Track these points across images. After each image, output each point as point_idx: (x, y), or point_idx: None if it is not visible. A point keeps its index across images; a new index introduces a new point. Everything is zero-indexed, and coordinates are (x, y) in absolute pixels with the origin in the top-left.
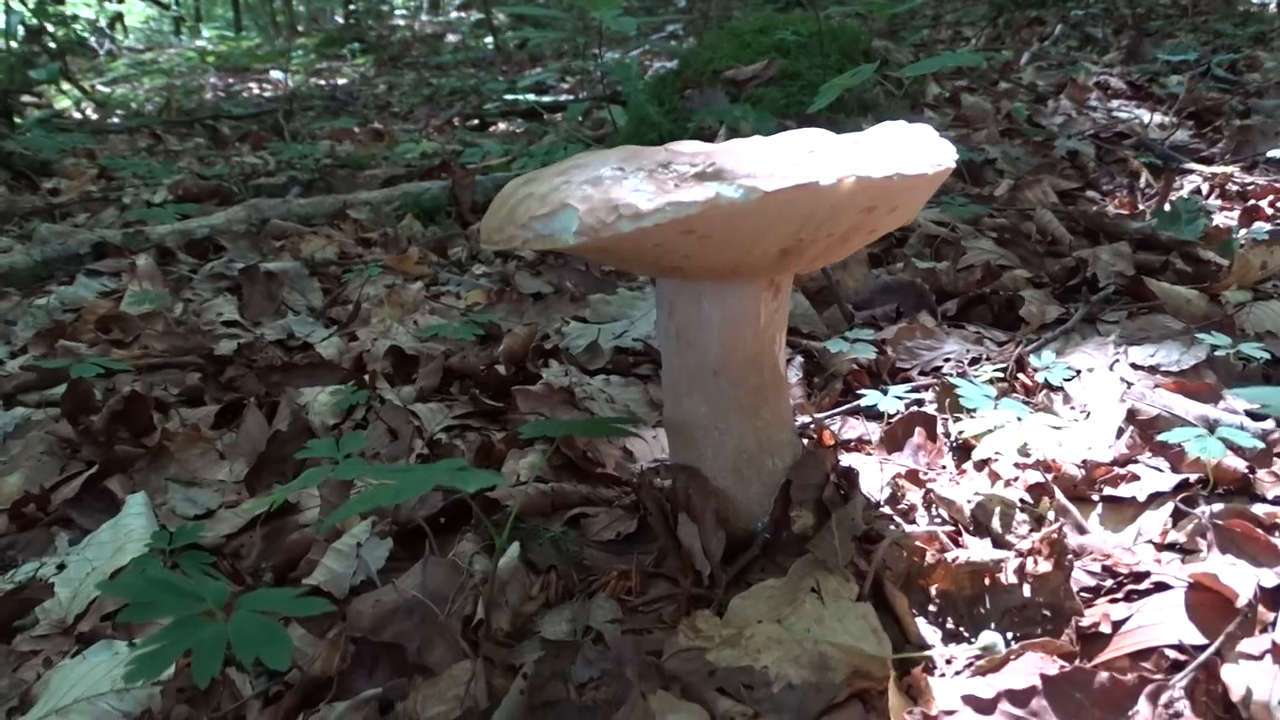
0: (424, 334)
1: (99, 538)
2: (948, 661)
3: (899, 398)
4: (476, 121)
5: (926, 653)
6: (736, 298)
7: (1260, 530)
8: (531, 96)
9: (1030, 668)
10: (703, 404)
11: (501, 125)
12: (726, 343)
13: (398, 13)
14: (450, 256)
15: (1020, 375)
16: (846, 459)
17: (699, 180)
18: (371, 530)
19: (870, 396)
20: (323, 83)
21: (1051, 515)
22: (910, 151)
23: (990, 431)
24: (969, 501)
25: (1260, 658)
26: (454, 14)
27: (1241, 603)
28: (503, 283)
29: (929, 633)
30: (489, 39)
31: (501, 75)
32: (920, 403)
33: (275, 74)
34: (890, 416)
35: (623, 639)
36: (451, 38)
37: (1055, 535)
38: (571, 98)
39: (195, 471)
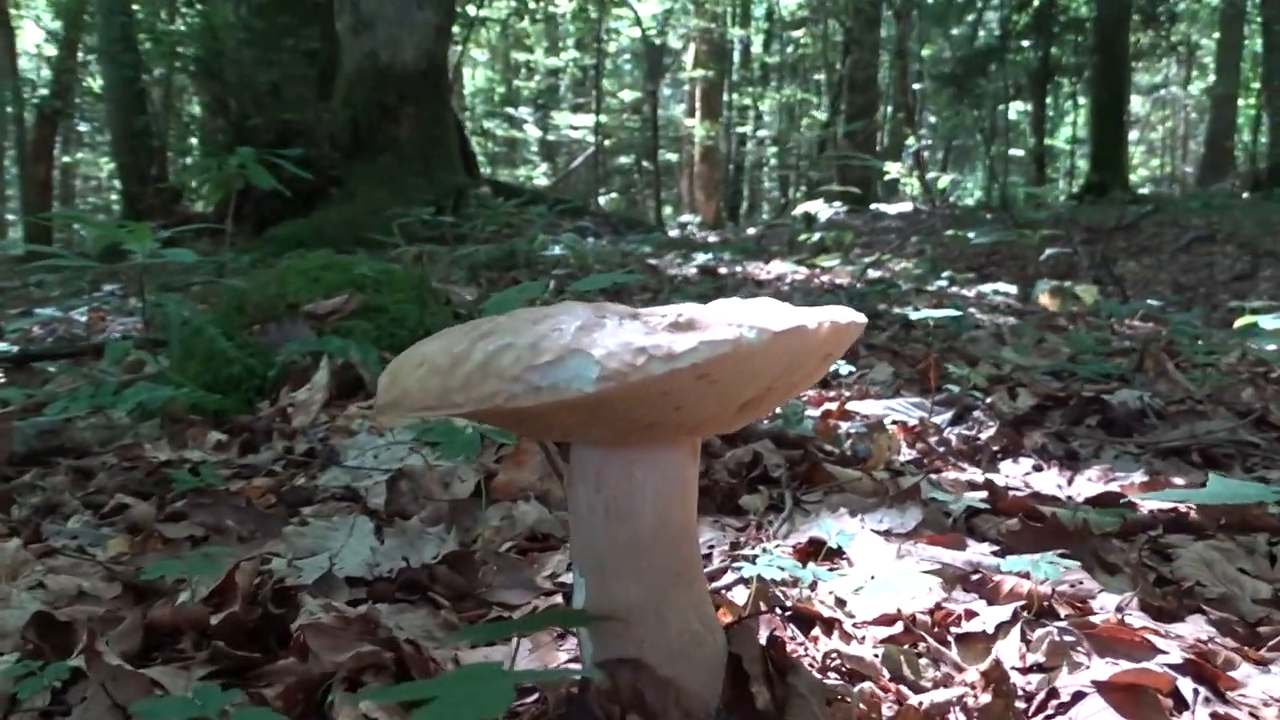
0: (151, 575)
1: None
2: None
3: (774, 565)
4: None
5: None
6: (668, 462)
7: (1126, 632)
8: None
9: None
10: (635, 584)
11: None
12: (661, 512)
13: None
14: (14, 514)
15: (783, 544)
16: None
17: (683, 329)
18: None
19: (747, 568)
20: None
21: (933, 655)
22: (852, 312)
23: (829, 586)
24: (874, 657)
25: None
26: None
27: (1168, 686)
28: (132, 531)
29: None
30: None
31: None
32: (747, 581)
33: None
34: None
35: None
36: None
37: (992, 666)
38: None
39: None
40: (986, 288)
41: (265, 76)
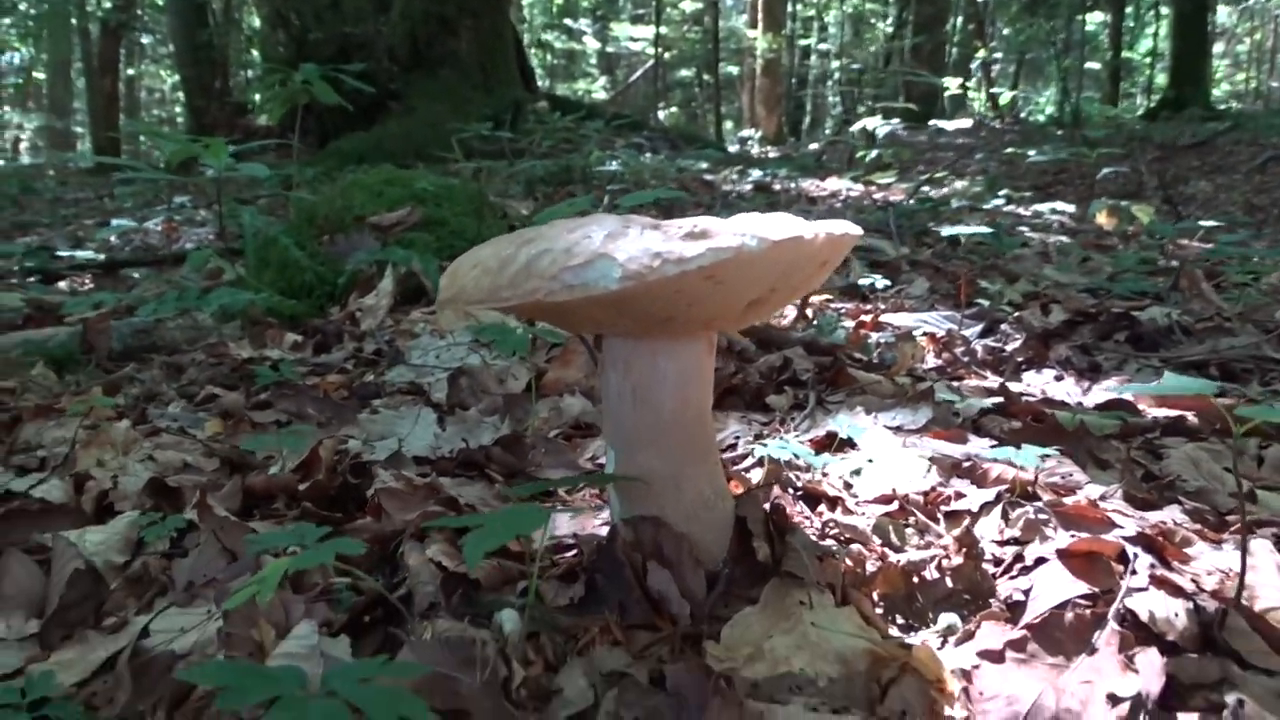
0: (249, 447)
1: None
2: (923, 644)
3: (780, 448)
4: (39, 277)
5: (908, 638)
6: (688, 354)
7: (1092, 511)
8: (86, 255)
9: (996, 630)
10: (657, 457)
11: (64, 284)
12: (680, 397)
13: None
14: (121, 400)
15: (803, 437)
16: None
17: (696, 238)
18: (315, 630)
19: (744, 446)
20: None
21: (920, 527)
22: (847, 223)
23: (839, 472)
24: (866, 526)
25: (1146, 589)
26: None
27: (1117, 553)
28: (224, 416)
29: (891, 630)
30: None
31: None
32: (762, 462)
33: None
34: (739, 468)
35: (675, 670)
36: None
37: (965, 532)
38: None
39: None
40: (1044, 206)
41: None
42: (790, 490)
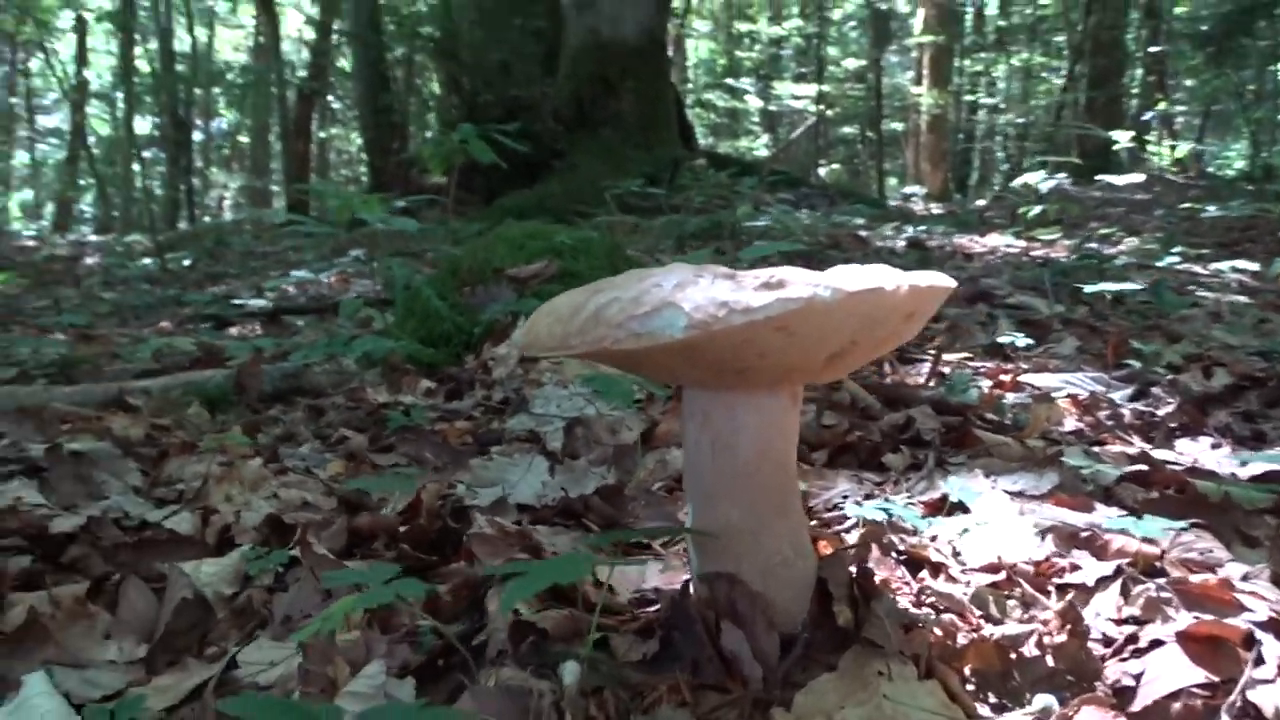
0: (347, 488)
1: None
2: None
3: (876, 508)
4: (213, 323)
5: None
6: (769, 406)
7: (1218, 590)
8: (258, 302)
9: (1096, 716)
10: (735, 511)
11: (235, 330)
12: (760, 449)
13: (25, 233)
14: (260, 439)
15: (918, 498)
16: None
17: (770, 288)
18: (385, 671)
19: (850, 508)
20: None
21: (1028, 599)
22: (937, 275)
23: (963, 531)
24: (964, 595)
25: (1274, 681)
26: (90, 235)
27: (1240, 639)
28: (349, 458)
29: (981, 709)
30: (146, 260)
31: (194, 289)
32: (862, 522)
33: None
34: (835, 531)
35: None
36: (90, 260)
37: (1068, 607)
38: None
39: (79, 651)
40: (1224, 265)
41: (495, 55)
42: (892, 554)
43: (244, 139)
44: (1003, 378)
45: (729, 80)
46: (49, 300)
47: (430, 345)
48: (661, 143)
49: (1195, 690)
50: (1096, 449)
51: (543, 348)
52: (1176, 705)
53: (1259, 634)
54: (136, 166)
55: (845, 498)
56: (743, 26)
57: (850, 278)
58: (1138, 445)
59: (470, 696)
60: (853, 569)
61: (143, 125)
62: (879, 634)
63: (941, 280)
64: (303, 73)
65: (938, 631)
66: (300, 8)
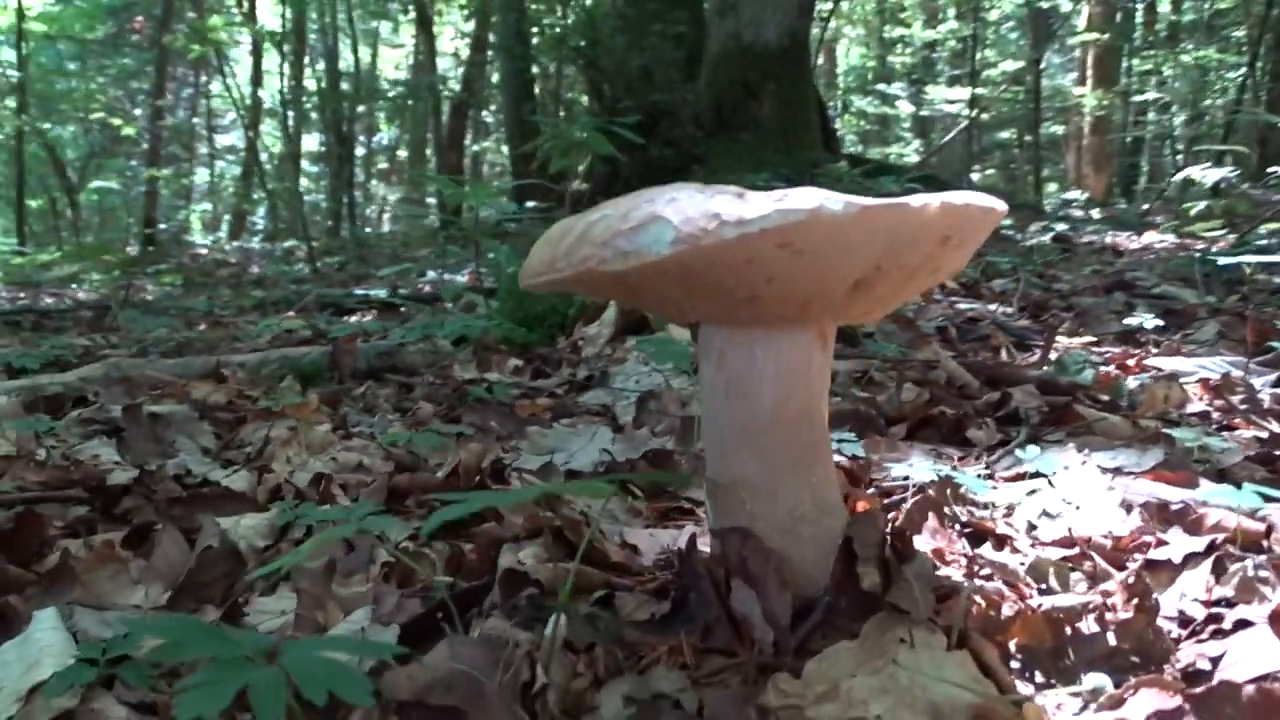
0: (387, 440)
1: (3, 658)
2: (1058, 706)
3: (929, 469)
4: (332, 310)
5: (1034, 697)
6: (791, 347)
7: None
8: (376, 293)
9: (1151, 702)
10: (752, 461)
11: (354, 318)
12: (780, 395)
13: (198, 241)
14: (341, 411)
15: (1001, 473)
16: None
17: (772, 202)
18: (371, 618)
19: (898, 468)
20: (136, 298)
21: (1098, 573)
22: (980, 194)
23: (1018, 502)
24: (1021, 565)
25: None
26: (257, 243)
27: None
28: (417, 424)
29: (1020, 687)
30: (300, 265)
31: (339, 287)
32: (922, 490)
33: (75, 287)
34: (896, 500)
35: (721, 695)
36: (255, 268)
37: (1135, 579)
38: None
39: (104, 595)
40: None
41: (636, 62)
42: (955, 525)
43: (402, 153)
44: (1128, 361)
45: (880, 85)
46: (204, 296)
47: (526, 326)
48: (802, 146)
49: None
50: (1226, 433)
51: (533, 274)
52: (1248, 690)
53: None
54: (304, 181)
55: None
56: (897, 31)
57: (863, 198)
58: (1274, 429)
59: (446, 644)
60: (888, 530)
61: (310, 142)
62: (906, 599)
63: (982, 200)
64: (455, 86)
65: (980, 601)
66: (456, 25)
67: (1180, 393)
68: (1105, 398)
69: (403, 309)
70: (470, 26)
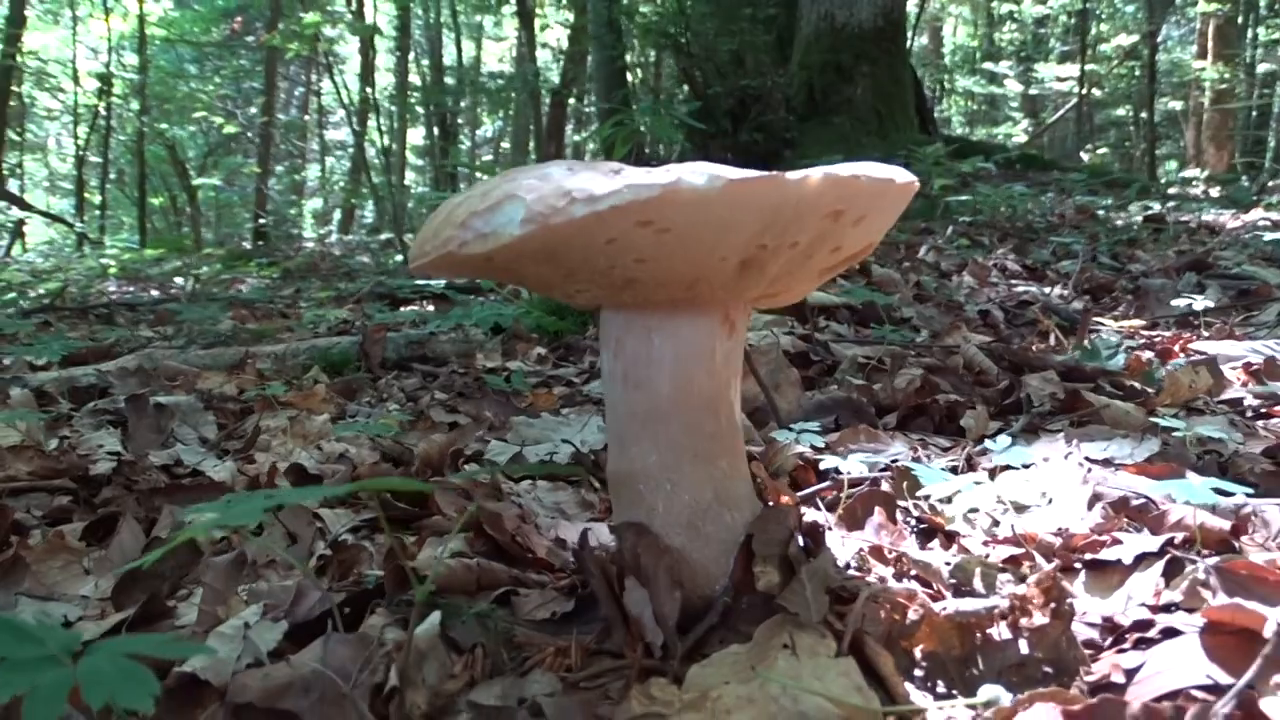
0: (335, 433)
1: None
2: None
3: (862, 461)
4: (388, 301)
5: (921, 709)
6: (691, 332)
7: (1267, 571)
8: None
9: (1046, 713)
10: (652, 453)
11: (412, 307)
12: (680, 383)
13: (306, 235)
14: (358, 400)
15: (973, 467)
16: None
17: (643, 177)
18: (262, 614)
19: (829, 460)
20: (230, 291)
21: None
22: (877, 165)
23: (957, 493)
24: (946, 565)
25: None
26: (362, 235)
27: (1269, 632)
28: (416, 416)
29: (917, 697)
30: (399, 256)
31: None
32: (877, 483)
33: (178, 280)
34: (848, 495)
35: (568, 704)
36: (362, 258)
37: (1050, 582)
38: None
39: (54, 585)
40: None
41: (726, 46)
42: (909, 521)
43: (505, 145)
44: (1174, 346)
45: (987, 64)
46: (294, 288)
47: (557, 315)
48: (897, 128)
49: (1194, 693)
50: (1261, 421)
51: (413, 259)
52: (1135, 710)
53: None
54: (410, 175)
55: (895, 461)
56: (1004, 8)
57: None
58: None
59: (321, 643)
60: (799, 527)
61: (415, 136)
62: (797, 602)
63: (877, 171)
64: (554, 77)
65: (886, 605)
66: (555, 17)
67: (1209, 378)
68: (1135, 384)
69: (454, 299)
70: (569, 17)
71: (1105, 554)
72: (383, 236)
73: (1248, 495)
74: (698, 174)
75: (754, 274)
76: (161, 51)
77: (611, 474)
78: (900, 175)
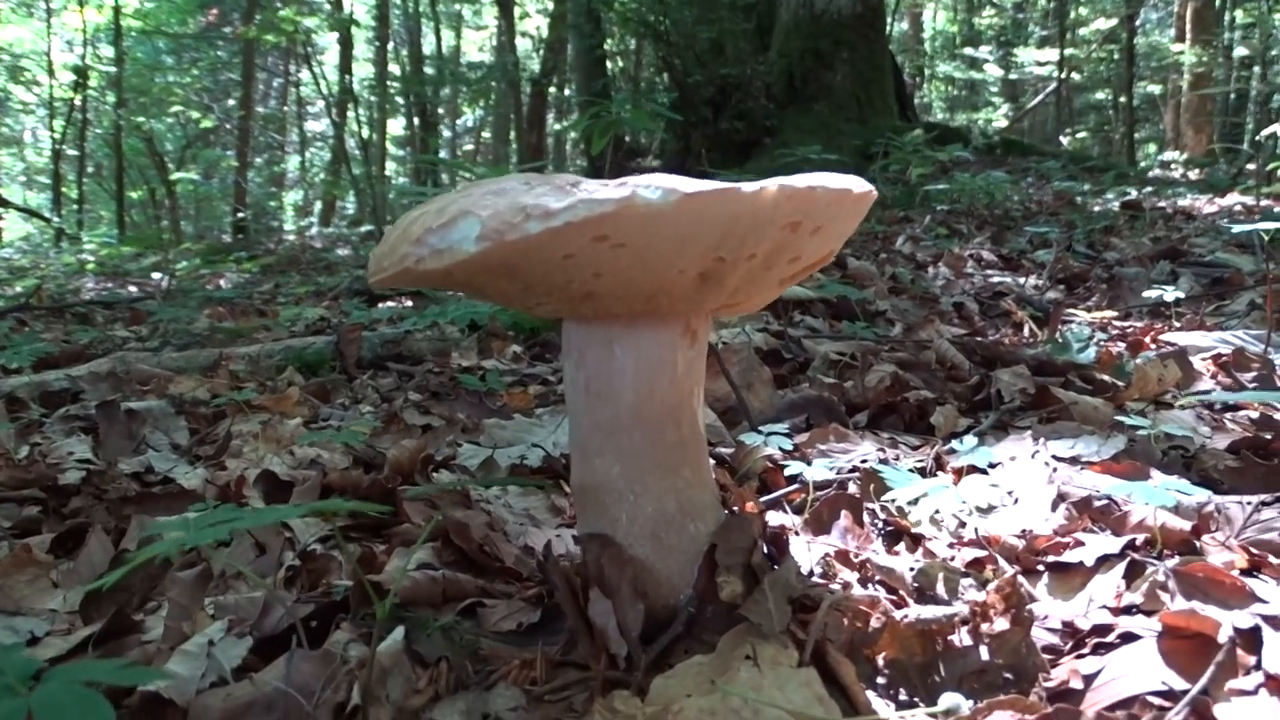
0: (304, 441)
1: None
2: None
3: (830, 465)
4: (365, 297)
5: (882, 719)
6: (652, 343)
7: (1224, 575)
8: None
9: None
10: (615, 463)
11: (389, 303)
12: (642, 393)
13: (287, 228)
14: (332, 402)
15: (941, 467)
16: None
17: (598, 192)
18: (227, 630)
19: (794, 467)
20: (208, 286)
21: (997, 578)
22: (832, 176)
23: (924, 496)
24: (910, 570)
25: (1254, 692)
26: (342, 227)
27: (1223, 637)
28: (389, 419)
29: (879, 705)
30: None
31: None
32: (845, 486)
33: (156, 275)
34: (814, 499)
35: (531, 719)
36: (342, 251)
37: (1010, 588)
38: None
39: (21, 600)
40: None
41: (706, 34)
42: (877, 526)
43: (486, 135)
44: (1145, 338)
45: (967, 49)
46: (273, 283)
47: None
48: (877, 114)
49: (1150, 699)
50: (1229, 414)
51: (371, 274)
52: (1120, 716)
53: (1266, 631)
54: (390, 165)
55: (864, 461)
56: None
57: (706, 182)
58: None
59: (285, 660)
60: (762, 534)
61: (395, 126)
62: (759, 612)
63: (833, 181)
64: (535, 66)
65: (850, 612)
66: (536, 5)
67: (1177, 371)
68: (1105, 378)
69: (431, 296)
70: (549, 5)
71: (1068, 556)
72: (363, 229)
73: (1210, 495)
74: (652, 188)
75: (713, 285)
76: (138, 43)
77: (575, 485)
78: (857, 185)
